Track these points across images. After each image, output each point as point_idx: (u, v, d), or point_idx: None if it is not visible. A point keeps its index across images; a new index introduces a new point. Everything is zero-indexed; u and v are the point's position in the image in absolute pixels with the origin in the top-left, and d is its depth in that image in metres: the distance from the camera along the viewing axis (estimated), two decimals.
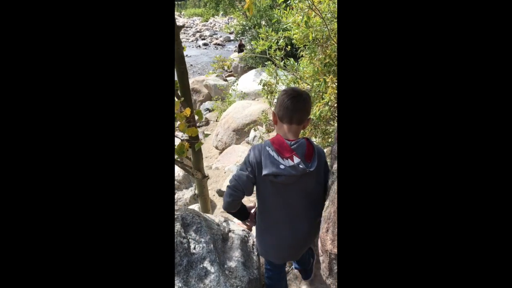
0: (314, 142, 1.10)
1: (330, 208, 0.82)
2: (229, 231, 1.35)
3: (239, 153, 4.64)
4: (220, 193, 3.20)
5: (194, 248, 1.06)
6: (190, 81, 9.00)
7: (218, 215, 1.57)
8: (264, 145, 1.01)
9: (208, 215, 1.45)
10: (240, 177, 1.01)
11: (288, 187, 1.02)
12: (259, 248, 1.19)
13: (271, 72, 2.94)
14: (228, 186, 1.03)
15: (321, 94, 2.37)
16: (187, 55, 14.18)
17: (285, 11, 2.49)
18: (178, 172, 2.93)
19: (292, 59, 2.96)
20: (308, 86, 2.79)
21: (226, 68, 10.19)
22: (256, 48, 2.83)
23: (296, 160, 0.97)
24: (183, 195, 2.72)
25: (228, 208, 1.05)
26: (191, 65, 12.69)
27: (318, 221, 1.05)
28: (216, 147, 5.60)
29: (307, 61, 3.02)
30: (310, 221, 1.07)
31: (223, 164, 4.48)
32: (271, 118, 3.68)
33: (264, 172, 0.98)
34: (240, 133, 5.11)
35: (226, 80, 9.50)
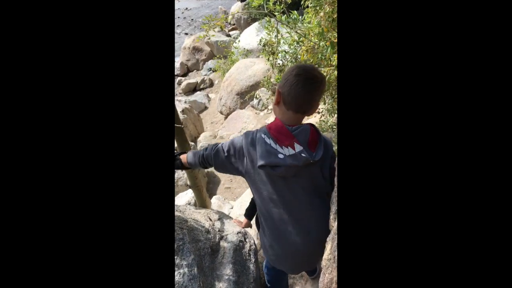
0: (321, 132, 0.90)
1: (332, 271, 0.59)
2: (221, 238, 1.18)
3: (244, 118, 4.40)
4: None
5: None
6: (191, 39, 8.43)
7: (211, 212, 1.40)
8: (259, 131, 0.86)
9: (197, 217, 1.28)
10: (217, 155, 0.92)
11: (289, 181, 0.86)
12: (267, 257, 1.02)
13: (271, 30, 2.54)
14: (202, 155, 0.97)
15: (329, 56, 2.02)
16: (186, 9, 13.17)
17: None
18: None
19: (295, 12, 2.53)
20: (314, 45, 2.41)
21: (229, 21, 9.44)
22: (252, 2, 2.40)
23: (298, 147, 0.82)
24: (183, 174, 2.57)
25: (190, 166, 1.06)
26: (192, 19, 11.84)
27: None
28: (221, 112, 5.34)
29: (312, 14, 2.58)
30: (322, 221, 0.88)
31: (228, 132, 4.27)
32: (273, 80, 3.34)
33: (260, 162, 0.82)
34: (244, 96, 4.78)
35: (229, 35, 8.83)
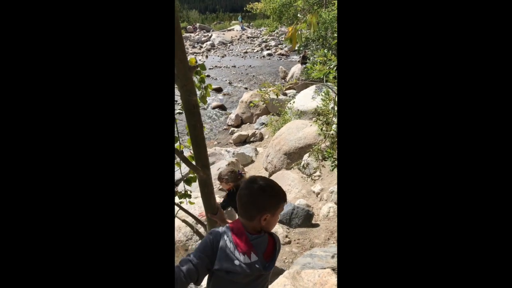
0: (277, 236, 0.94)
1: None
2: None
3: (289, 181, 4.19)
4: None
5: None
6: (249, 94, 8.91)
7: None
8: (222, 231, 0.89)
9: None
10: (184, 263, 0.85)
11: (240, 285, 0.88)
12: None
13: (327, 102, 2.45)
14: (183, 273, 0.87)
15: None
16: (250, 66, 14.28)
17: None
18: None
19: None
20: None
21: (288, 81, 9.91)
22: (311, 73, 2.38)
23: (254, 258, 0.84)
24: None
25: None
26: (253, 75, 12.72)
27: None
28: (266, 169, 5.24)
29: None
30: None
31: None
32: (323, 146, 3.16)
33: (216, 266, 0.84)
34: (292, 157, 4.65)
35: (285, 94, 9.14)
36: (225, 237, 0.86)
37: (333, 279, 1.68)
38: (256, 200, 0.86)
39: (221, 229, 0.89)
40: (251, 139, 7.58)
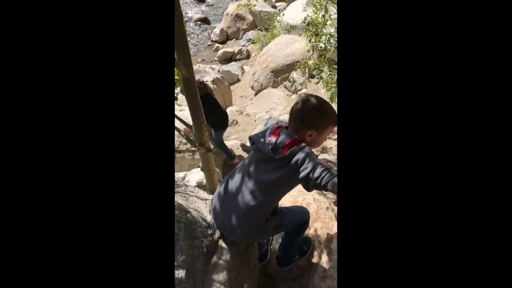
0: (307, 155, 0.90)
1: None
2: (220, 237, 1.09)
3: (274, 99, 4.18)
4: (244, 147, 2.93)
5: None
6: (235, 5, 8.07)
7: None
8: (277, 121, 1.14)
9: (200, 206, 1.19)
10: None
11: (257, 164, 0.98)
12: None
13: (319, 8, 2.27)
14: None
15: None
16: None
17: None
18: None
19: None
20: None
21: None
22: None
23: (273, 140, 0.94)
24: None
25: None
26: None
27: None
28: (252, 87, 5.15)
29: None
30: (249, 211, 0.97)
31: (255, 110, 4.11)
32: (311, 63, 3.10)
33: (253, 133, 1.02)
34: (279, 74, 4.53)
35: (274, 7, 8.35)
36: (274, 125, 1.06)
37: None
38: (306, 115, 0.93)
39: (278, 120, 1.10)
40: (237, 57, 7.22)
